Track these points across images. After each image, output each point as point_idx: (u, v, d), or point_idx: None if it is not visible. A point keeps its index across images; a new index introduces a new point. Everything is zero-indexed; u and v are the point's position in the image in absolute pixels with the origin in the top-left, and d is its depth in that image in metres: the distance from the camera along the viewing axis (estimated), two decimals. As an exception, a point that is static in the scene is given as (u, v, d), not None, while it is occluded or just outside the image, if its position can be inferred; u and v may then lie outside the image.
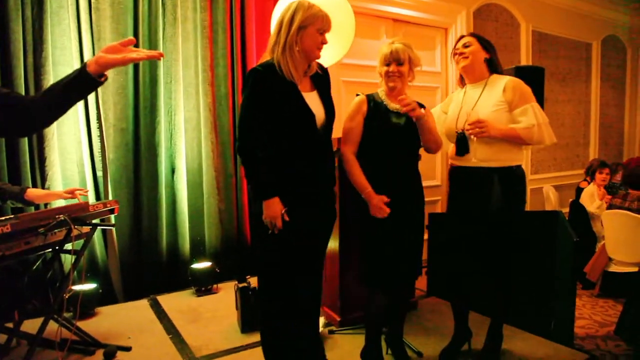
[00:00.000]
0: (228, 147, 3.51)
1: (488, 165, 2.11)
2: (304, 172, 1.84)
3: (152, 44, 3.13)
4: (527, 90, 2.14)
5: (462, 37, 2.27)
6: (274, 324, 1.95)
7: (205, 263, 3.32)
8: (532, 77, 2.67)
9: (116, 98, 3.05)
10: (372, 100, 2.13)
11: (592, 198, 4.34)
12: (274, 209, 1.77)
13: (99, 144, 3.01)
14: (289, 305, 1.92)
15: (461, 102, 2.22)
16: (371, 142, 2.10)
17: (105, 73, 1.27)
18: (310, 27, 1.78)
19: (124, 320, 2.80)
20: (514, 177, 2.14)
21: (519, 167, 2.16)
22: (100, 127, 3.00)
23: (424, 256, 2.26)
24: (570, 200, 4.56)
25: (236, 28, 3.44)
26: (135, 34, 3.05)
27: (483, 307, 2.50)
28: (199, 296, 3.20)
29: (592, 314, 3.63)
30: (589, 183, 4.50)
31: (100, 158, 3.02)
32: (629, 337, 2.76)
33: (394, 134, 2.08)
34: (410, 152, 2.15)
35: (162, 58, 1.34)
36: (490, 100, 2.12)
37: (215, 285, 3.30)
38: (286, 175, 1.81)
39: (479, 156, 2.13)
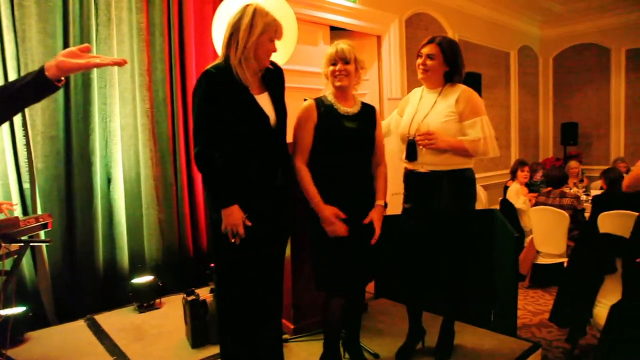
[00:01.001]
0: (167, 154, 3.36)
1: (437, 169, 2.18)
2: (259, 174, 1.82)
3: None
4: (479, 103, 2.21)
5: (431, 40, 2.22)
6: (234, 335, 1.89)
7: (146, 277, 3.14)
8: (470, 82, 2.82)
9: (44, 103, 2.80)
10: (321, 105, 2.11)
11: (517, 195, 4.67)
12: (234, 216, 1.74)
13: (26, 153, 2.76)
14: (249, 315, 1.88)
15: (417, 107, 2.27)
16: (324, 148, 2.09)
17: (63, 78, 1.22)
18: (264, 35, 1.77)
19: (59, 344, 2.57)
20: (463, 179, 2.22)
21: (468, 169, 2.24)
22: (26, 135, 2.75)
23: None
24: (500, 198, 4.87)
25: (174, 30, 3.32)
26: (66, 34, 2.84)
27: (435, 306, 2.58)
28: (141, 312, 3.01)
29: (525, 305, 3.89)
30: (512, 181, 4.85)
31: (27, 169, 2.77)
32: (561, 322, 2.98)
33: (348, 139, 2.09)
34: (364, 156, 2.18)
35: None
36: (443, 110, 2.19)
37: (158, 300, 3.13)
38: (241, 177, 1.78)
39: (427, 162, 2.18)
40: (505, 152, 7.01)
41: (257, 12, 1.76)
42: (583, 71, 7.39)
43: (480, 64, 6.44)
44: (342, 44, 2.08)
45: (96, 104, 3.00)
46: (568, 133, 7.17)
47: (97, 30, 3.00)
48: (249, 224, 1.76)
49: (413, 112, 2.27)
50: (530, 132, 7.67)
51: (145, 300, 3.06)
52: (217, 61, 1.80)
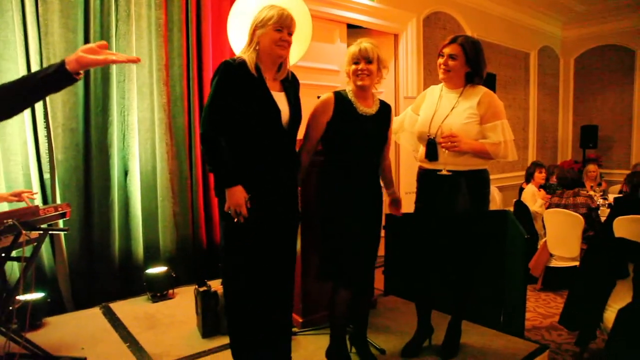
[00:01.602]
0: (183, 148, 3.43)
1: (456, 169, 2.18)
2: (267, 165, 1.88)
3: (105, 40, 2.99)
4: (500, 106, 2.21)
5: (453, 40, 2.21)
6: (242, 326, 1.94)
7: (160, 268, 3.21)
8: (484, 82, 2.81)
9: (65, 97, 2.89)
10: (340, 100, 2.13)
11: (533, 197, 4.62)
12: (237, 196, 1.80)
13: (47, 144, 2.85)
14: (257, 307, 1.92)
15: (436, 106, 2.25)
16: (338, 144, 2.12)
17: (81, 72, 1.32)
18: (267, 26, 1.86)
19: (75, 330, 2.66)
20: (480, 180, 2.23)
21: (484, 170, 2.25)
22: (47, 127, 2.84)
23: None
24: (514, 200, 4.83)
25: (192, 27, 3.37)
26: (86, 29, 2.91)
27: (444, 304, 2.59)
28: (154, 302, 3.09)
29: (536, 307, 3.86)
30: (527, 183, 4.80)
31: (48, 159, 2.86)
32: (571, 325, 2.96)
33: (363, 139, 2.12)
34: (375, 155, 2.21)
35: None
36: (465, 111, 2.18)
37: (171, 291, 3.20)
38: (249, 169, 1.85)
39: (448, 162, 2.17)
40: (522, 154, 6.93)
41: (263, 8, 1.89)
42: (605, 73, 7.25)
43: (499, 64, 6.38)
44: (366, 43, 2.09)
45: (115, 98, 3.07)
46: (588, 136, 7.05)
47: (116, 26, 3.07)
48: (249, 205, 1.82)
49: (432, 111, 2.25)
50: (548, 133, 7.56)
51: (159, 290, 3.14)
52: (239, 54, 1.91)
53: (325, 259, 2.18)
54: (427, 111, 2.28)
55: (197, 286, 2.65)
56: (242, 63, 1.84)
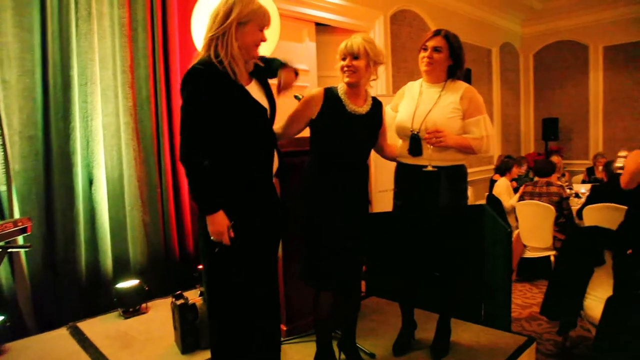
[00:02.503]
0: (152, 154, 3.26)
1: (439, 164, 2.15)
2: (260, 169, 1.78)
3: (64, 41, 2.80)
4: (481, 101, 2.21)
5: (437, 32, 2.17)
6: (226, 338, 1.82)
7: (131, 281, 3.03)
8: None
9: (22, 102, 2.68)
10: (329, 97, 2.04)
11: (508, 190, 4.69)
12: (219, 223, 1.65)
13: (2, 153, 2.63)
14: (242, 317, 1.81)
15: (416, 101, 2.21)
16: (325, 143, 2.05)
17: None
18: (251, 24, 1.67)
19: (40, 354, 2.46)
20: (460, 174, 2.22)
21: (464, 165, 2.24)
22: (2, 135, 2.62)
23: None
24: (486, 194, 4.90)
25: (157, 26, 3.21)
26: (43, 29, 2.71)
27: (428, 302, 2.57)
28: (127, 318, 2.91)
29: (514, 298, 3.91)
30: (501, 176, 4.86)
31: (4, 170, 2.63)
32: (552, 315, 3.00)
33: (351, 139, 2.05)
34: (363, 155, 2.15)
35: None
36: (448, 106, 2.15)
37: (144, 305, 3.03)
38: (238, 175, 1.72)
39: (432, 158, 2.14)
40: (488, 148, 7.07)
41: (237, 0, 1.65)
42: (562, 68, 7.50)
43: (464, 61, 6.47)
44: (356, 38, 2.00)
45: (77, 102, 2.87)
46: (549, 128, 7.28)
47: (77, 25, 2.87)
48: (232, 235, 1.67)
49: (413, 106, 2.20)
50: (512, 127, 7.76)
51: (131, 305, 2.96)
52: (201, 56, 1.68)
53: (308, 261, 2.10)
54: (408, 107, 2.23)
55: (173, 299, 2.50)
56: (211, 65, 1.63)
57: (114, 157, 3.13)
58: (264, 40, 1.73)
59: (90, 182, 3.01)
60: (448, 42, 2.14)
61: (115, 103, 3.10)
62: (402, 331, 2.43)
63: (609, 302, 2.29)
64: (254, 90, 1.75)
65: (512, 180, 4.95)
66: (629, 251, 2.44)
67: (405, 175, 2.25)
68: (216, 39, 1.65)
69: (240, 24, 1.65)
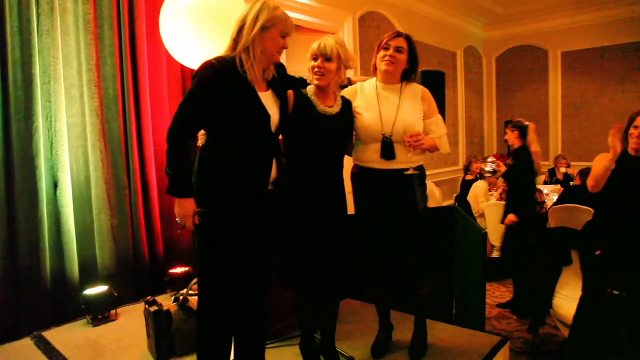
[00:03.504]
0: (119, 156, 3.14)
1: (408, 167, 2.17)
2: (250, 172, 1.81)
3: (25, 37, 2.65)
4: (434, 102, 2.27)
5: (398, 34, 2.18)
6: (213, 340, 1.85)
7: (100, 287, 2.91)
8: (436, 80, 2.85)
9: (-21, 101, 2.53)
10: (299, 98, 2.03)
11: (486, 194, 4.79)
12: (186, 206, 1.72)
13: (-42, 157, 2.47)
14: (231, 318, 1.85)
15: (377, 103, 2.19)
16: (297, 144, 2.03)
17: None
18: (274, 30, 1.74)
19: (3, 367, 2.34)
20: (424, 175, 2.26)
21: (423, 165, 2.27)
22: (-42, 137, 2.47)
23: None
24: (455, 195, 5.00)
25: (125, 24, 3.09)
26: (2, 24, 2.55)
27: (403, 303, 2.59)
28: (96, 326, 2.79)
29: (483, 298, 4.02)
30: (477, 178, 4.97)
31: (-39, 174, 2.48)
32: (522, 314, 3.10)
33: (323, 140, 2.04)
34: (337, 156, 2.14)
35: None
36: (414, 108, 2.18)
37: (114, 312, 2.92)
38: (230, 174, 1.77)
39: (405, 160, 2.15)
40: (454, 149, 7.23)
41: (264, 6, 1.74)
42: (523, 71, 7.76)
43: (430, 63, 6.59)
44: (329, 39, 1.98)
45: (40, 102, 2.73)
46: (511, 130, 7.49)
47: (38, 20, 2.72)
48: (197, 222, 1.74)
49: (376, 109, 2.17)
50: (476, 129, 7.96)
51: (100, 312, 2.85)
52: (223, 53, 1.78)
53: (283, 265, 2.10)
54: (370, 110, 2.18)
55: (146, 306, 2.43)
56: (228, 63, 1.71)
57: (80, 159, 2.99)
58: (285, 47, 1.80)
59: (55, 185, 2.87)
60: (409, 44, 2.17)
61: (80, 103, 2.97)
62: (379, 333, 2.45)
63: (582, 303, 2.36)
64: (267, 98, 1.82)
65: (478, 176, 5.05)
66: (598, 252, 2.53)
67: (374, 181, 2.19)
68: (240, 42, 1.73)
69: (264, 28, 1.72)
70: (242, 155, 1.78)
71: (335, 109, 2.09)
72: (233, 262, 1.80)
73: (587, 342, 2.26)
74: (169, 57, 3.26)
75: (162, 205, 3.38)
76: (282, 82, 1.97)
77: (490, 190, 4.95)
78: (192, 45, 2.86)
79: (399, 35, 2.18)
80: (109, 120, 3.09)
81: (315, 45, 2.00)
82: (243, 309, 1.88)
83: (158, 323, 2.35)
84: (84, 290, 2.87)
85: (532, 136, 3.59)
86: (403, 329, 2.52)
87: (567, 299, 2.81)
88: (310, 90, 2.07)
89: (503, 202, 4.20)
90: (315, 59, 2.00)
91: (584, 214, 3.55)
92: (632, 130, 2.47)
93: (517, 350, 3.05)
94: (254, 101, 1.76)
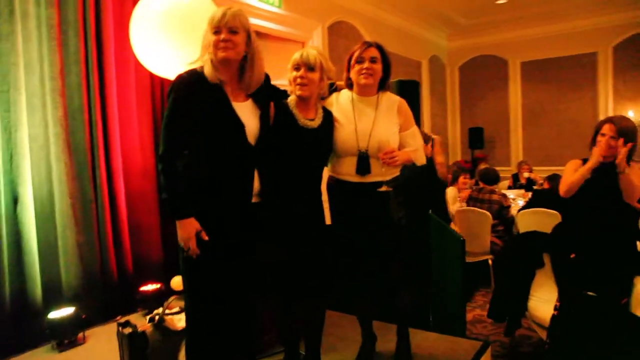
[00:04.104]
0: (85, 168, 2.98)
1: (383, 179, 2.13)
2: (227, 185, 1.77)
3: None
4: (411, 113, 2.25)
5: (369, 44, 2.13)
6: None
7: (65, 309, 2.73)
8: (412, 90, 2.88)
9: None
10: (280, 110, 1.99)
11: (454, 200, 4.87)
12: (188, 229, 1.69)
13: None
14: (219, 334, 1.81)
15: (353, 117, 2.15)
16: (278, 155, 1.97)
17: None
18: (207, 30, 1.77)
19: (-40, 401, 2.14)
20: (400, 185, 2.23)
21: (398, 176, 2.25)
22: None
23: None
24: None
25: (91, 30, 2.95)
26: (-43, 29, 2.39)
27: (385, 313, 2.56)
28: (61, 351, 2.61)
29: (457, 303, 4.05)
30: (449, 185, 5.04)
31: None
32: (499, 317, 3.14)
33: (303, 153, 2.00)
34: (317, 169, 2.10)
35: None
36: (389, 122, 2.15)
37: (81, 334, 2.75)
38: (206, 187, 1.74)
39: (379, 173, 2.12)
40: (420, 157, 7.34)
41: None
42: (485, 80, 8.02)
43: (396, 73, 6.65)
44: (312, 49, 1.96)
45: (-3, 112, 2.56)
46: (475, 137, 7.72)
47: (-4, 25, 2.57)
48: (206, 238, 1.70)
49: (352, 123, 2.13)
50: (440, 137, 8.12)
51: (66, 336, 2.66)
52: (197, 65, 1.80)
53: (267, 273, 2.04)
54: (347, 124, 2.14)
55: (119, 327, 2.29)
56: (196, 73, 1.71)
57: (43, 172, 2.81)
58: (224, 39, 1.74)
59: (14, 201, 2.68)
60: (381, 52, 2.14)
61: (43, 112, 2.80)
62: (363, 345, 2.41)
63: (559, 306, 2.40)
64: (244, 107, 1.80)
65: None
66: (572, 255, 2.60)
67: (350, 193, 2.17)
68: (202, 49, 1.80)
69: (207, 32, 1.78)
70: (218, 166, 1.74)
71: (317, 121, 2.05)
72: (217, 280, 1.76)
73: (566, 344, 2.30)
74: (137, 65, 3.14)
75: (131, 218, 3.23)
76: (264, 91, 1.93)
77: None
78: (162, 52, 2.77)
79: (369, 45, 2.14)
80: (73, 131, 2.93)
81: (297, 55, 1.96)
82: (231, 326, 1.83)
83: (133, 346, 2.22)
84: (48, 313, 2.69)
85: (436, 148, 3.68)
86: (385, 339, 2.49)
87: (541, 300, 2.86)
88: (291, 101, 2.03)
89: (475, 209, 4.29)
90: (297, 69, 1.96)
91: (552, 217, 3.67)
92: (599, 138, 2.55)
93: (495, 354, 3.08)
94: (226, 110, 1.74)
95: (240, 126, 1.75)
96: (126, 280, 3.18)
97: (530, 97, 7.61)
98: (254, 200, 1.85)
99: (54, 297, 2.83)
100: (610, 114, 6.96)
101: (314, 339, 2.22)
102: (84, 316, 2.74)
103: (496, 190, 4.53)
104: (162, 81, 3.35)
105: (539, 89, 7.52)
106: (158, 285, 3.10)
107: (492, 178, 4.60)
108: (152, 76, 3.30)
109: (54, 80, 2.81)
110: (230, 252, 1.78)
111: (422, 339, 2.62)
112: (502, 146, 7.93)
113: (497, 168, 7.70)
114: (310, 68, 1.94)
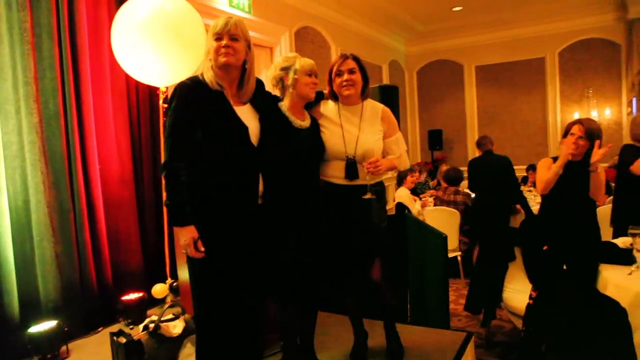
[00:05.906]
0: (62, 176, 2.88)
1: (367, 183, 2.18)
2: (233, 189, 1.79)
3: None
4: (394, 119, 2.34)
5: (345, 57, 2.20)
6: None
7: (47, 323, 2.63)
8: (391, 95, 2.99)
9: None
10: (275, 111, 2.06)
11: (410, 200, 5.02)
12: (186, 237, 1.70)
13: None
14: (228, 337, 1.82)
15: (340, 124, 2.22)
16: (278, 157, 2.02)
17: None
18: (209, 37, 1.81)
19: None
20: (383, 190, 2.33)
21: (382, 181, 2.34)
22: None
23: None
24: (395, 202, 5.20)
25: (65, 34, 2.86)
26: None
27: (372, 311, 2.64)
28: (44, 366, 2.52)
29: (432, 298, 4.21)
30: (399, 186, 5.21)
31: None
32: (475, 310, 3.30)
33: (303, 150, 2.07)
34: (315, 166, 2.17)
35: None
36: (374, 129, 2.23)
37: (64, 348, 2.65)
38: (212, 191, 1.76)
39: (366, 179, 2.17)
40: (384, 159, 7.52)
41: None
42: (442, 84, 8.34)
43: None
44: (306, 59, 2.06)
45: (-30, 119, 2.44)
46: (434, 139, 8.00)
47: (-33, 28, 2.45)
48: (202, 249, 1.71)
49: (339, 130, 2.21)
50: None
51: (48, 350, 2.56)
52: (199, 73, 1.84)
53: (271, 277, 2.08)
54: (335, 130, 2.22)
55: (114, 337, 2.25)
56: (197, 81, 1.75)
57: (18, 181, 2.70)
58: (225, 45, 1.77)
59: (-12, 211, 2.57)
60: (358, 63, 2.21)
61: (17, 119, 2.69)
62: (355, 342, 2.46)
63: (537, 300, 2.55)
64: (245, 111, 1.84)
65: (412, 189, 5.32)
66: (545, 247, 2.79)
67: (335, 196, 2.23)
68: (204, 56, 1.84)
69: (208, 39, 1.84)
70: (225, 170, 1.77)
71: (307, 122, 2.14)
72: (226, 285, 1.79)
73: (542, 333, 2.44)
74: (113, 69, 3.09)
75: (109, 226, 3.15)
76: (259, 96, 1.98)
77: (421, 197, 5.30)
78: (145, 59, 2.74)
79: (346, 57, 2.21)
80: (49, 138, 2.83)
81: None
82: (240, 326, 1.84)
83: (129, 356, 2.19)
84: (28, 328, 2.58)
85: None
86: (375, 335, 2.57)
87: (515, 291, 3.04)
88: (283, 105, 2.08)
89: (445, 208, 4.47)
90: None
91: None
92: (569, 137, 2.76)
93: (475, 344, 3.24)
94: (229, 114, 1.78)
95: (244, 129, 1.79)
96: (106, 290, 3.10)
97: (485, 99, 8.00)
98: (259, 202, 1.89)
99: (32, 310, 2.72)
100: (558, 115, 7.45)
101: (306, 337, 2.29)
102: (66, 329, 2.66)
103: (460, 190, 4.70)
104: (137, 85, 3.30)
105: (493, 92, 7.92)
106: (140, 294, 3.05)
107: (455, 178, 4.75)
108: (128, 80, 3.24)
109: (28, 85, 2.71)
110: (239, 253, 1.80)
111: (409, 333, 2.71)
112: (460, 147, 8.27)
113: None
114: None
